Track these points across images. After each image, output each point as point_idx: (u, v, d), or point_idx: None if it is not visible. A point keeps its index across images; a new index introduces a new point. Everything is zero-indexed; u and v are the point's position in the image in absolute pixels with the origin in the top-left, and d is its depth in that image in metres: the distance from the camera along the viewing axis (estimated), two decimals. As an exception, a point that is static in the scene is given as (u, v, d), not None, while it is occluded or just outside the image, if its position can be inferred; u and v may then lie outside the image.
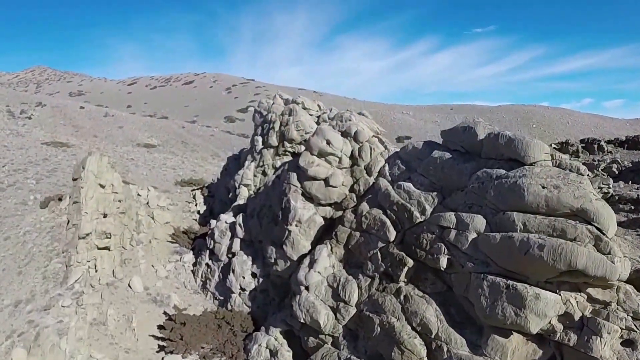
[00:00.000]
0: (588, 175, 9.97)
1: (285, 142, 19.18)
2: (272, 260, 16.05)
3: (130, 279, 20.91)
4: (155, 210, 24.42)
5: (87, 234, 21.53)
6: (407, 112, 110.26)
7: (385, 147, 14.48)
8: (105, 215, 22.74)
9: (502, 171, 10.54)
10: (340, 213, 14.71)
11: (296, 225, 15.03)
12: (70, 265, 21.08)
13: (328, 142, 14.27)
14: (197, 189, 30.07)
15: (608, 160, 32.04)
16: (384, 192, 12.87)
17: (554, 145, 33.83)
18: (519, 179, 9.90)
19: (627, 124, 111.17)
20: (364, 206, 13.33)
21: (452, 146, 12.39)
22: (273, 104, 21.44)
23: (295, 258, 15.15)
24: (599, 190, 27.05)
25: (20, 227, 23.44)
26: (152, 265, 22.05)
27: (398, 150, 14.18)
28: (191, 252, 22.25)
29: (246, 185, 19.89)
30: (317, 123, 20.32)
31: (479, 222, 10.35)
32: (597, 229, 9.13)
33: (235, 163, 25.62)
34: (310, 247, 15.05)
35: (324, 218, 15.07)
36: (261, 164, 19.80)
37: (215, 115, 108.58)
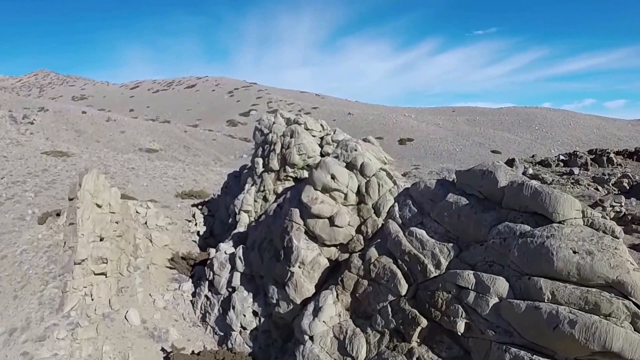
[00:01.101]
0: (622, 236, 8.85)
1: (287, 167, 18.08)
2: (274, 301, 14.99)
3: (127, 310, 19.88)
4: (153, 232, 23.40)
5: (83, 260, 20.64)
6: (409, 115, 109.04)
7: (395, 183, 13.33)
8: (102, 239, 21.86)
9: (527, 227, 9.41)
10: (346, 255, 13.58)
11: (299, 267, 13.95)
12: (66, 291, 20.19)
13: (333, 177, 13.16)
14: (197, 205, 29.03)
15: (618, 175, 30.96)
16: (395, 238, 11.75)
17: (561, 157, 32.72)
18: (546, 240, 8.78)
19: (629, 124, 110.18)
20: (373, 252, 12.22)
21: (468, 190, 11.21)
22: (274, 123, 20.23)
23: (298, 302, 14.07)
24: (611, 208, 25.92)
25: (17, 245, 22.22)
26: (150, 295, 21.02)
27: (408, 186, 13.05)
28: (190, 280, 21.21)
29: (246, 212, 18.82)
30: (321, 145, 19.19)
31: (501, 285, 9.24)
32: (635, 304, 8.02)
33: (235, 181, 24.57)
34: (314, 290, 13.97)
35: (329, 260, 14.01)
36: (262, 188, 18.70)
37: (217, 119, 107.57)
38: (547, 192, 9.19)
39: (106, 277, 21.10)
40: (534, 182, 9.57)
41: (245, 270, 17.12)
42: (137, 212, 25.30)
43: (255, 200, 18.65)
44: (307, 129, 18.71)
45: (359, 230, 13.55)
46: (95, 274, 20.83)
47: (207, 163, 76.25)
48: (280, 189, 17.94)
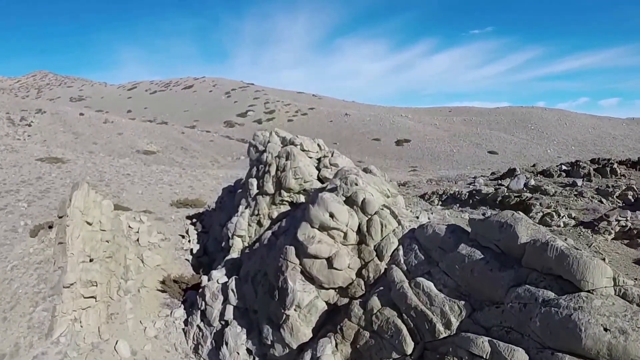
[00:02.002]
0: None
1: (283, 191, 16.92)
2: (269, 342, 13.82)
3: (117, 341, 18.74)
4: (145, 251, 22.21)
5: (72, 284, 19.56)
6: (405, 115, 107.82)
7: (399, 223, 12.06)
8: (91, 260, 20.77)
9: (551, 294, 8.20)
10: (346, 300, 12.33)
11: (295, 310, 12.76)
12: (55, 315, 19.12)
13: (331, 215, 11.94)
14: (191, 219, 27.84)
15: (623, 187, 29.87)
16: (399, 290, 10.51)
17: (563, 166, 31.53)
18: (574, 313, 7.60)
19: (624, 123, 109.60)
20: (375, 302, 10.99)
21: (483, 242, 9.92)
22: (269, 142, 19.03)
23: (294, 346, 12.88)
24: (616, 223, 24.77)
25: (8, 260, 21.46)
26: (141, 322, 19.85)
27: (415, 227, 11.76)
28: (182, 306, 20.04)
29: (240, 236, 17.65)
30: (318, 168, 17.96)
31: (520, 358, 8.04)
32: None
33: (229, 197, 23.40)
34: (311, 335, 12.76)
35: (327, 303, 12.81)
36: (256, 212, 17.52)
37: (214, 120, 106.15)
38: (574, 256, 7.97)
39: (96, 300, 20.05)
40: (560, 243, 8.36)
41: (239, 304, 15.94)
42: (129, 226, 24.17)
43: (249, 224, 17.49)
44: (303, 150, 17.49)
45: (359, 274, 12.29)
46: (85, 297, 19.80)
47: (205, 165, 74.98)
48: (275, 214, 16.77)
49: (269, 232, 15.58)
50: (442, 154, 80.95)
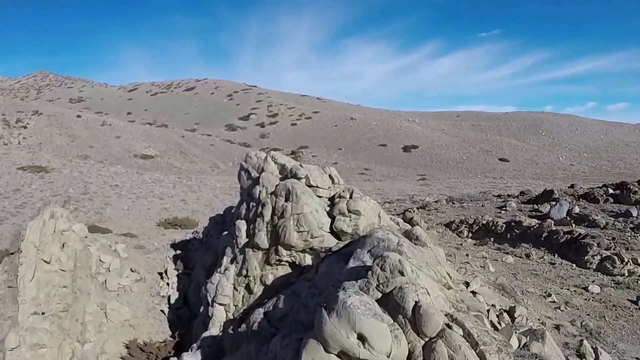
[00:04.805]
0: None
1: (281, 247, 12.20)
2: None
3: None
4: (111, 301, 17.79)
5: (15, 347, 15.25)
6: (412, 120, 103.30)
7: (482, 358, 6.23)
8: (43, 313, 16.44)
9: None
10: None
11: None
12: (-6, 388, 14.86)
13: (361, 338, 6.23)
14: (175, 249, 23.40)
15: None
16: None
17: (610, 190, 26.73)
18: None
19: (636, 130, 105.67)
20: None
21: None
22: (263, 170, 14.29)
23: None
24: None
25: None
26: (95, 412, 15.51)
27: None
28: (148, 387, 15.57)
29: (223, 305, 12.91)
30: (331, 215, 12.31)
31: None
32: None
33: (217, 230, 18.98)
34: None
35: None
36: (244, 272, 12.65)
37: (216, 123, 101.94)
38: None
39: (42, 373, 15.70)
40: None
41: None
42: (100, 260, 19.84)
43: (235, 288, 12.59)
44: (309, 186, 12.71)
45: None
46: (31, 364, 15.51)
47: (204, 171, 70.84)
48: (270, 278, 11.93)
49: (261, 312, 10.79)
50: (452, 161, 76.46)
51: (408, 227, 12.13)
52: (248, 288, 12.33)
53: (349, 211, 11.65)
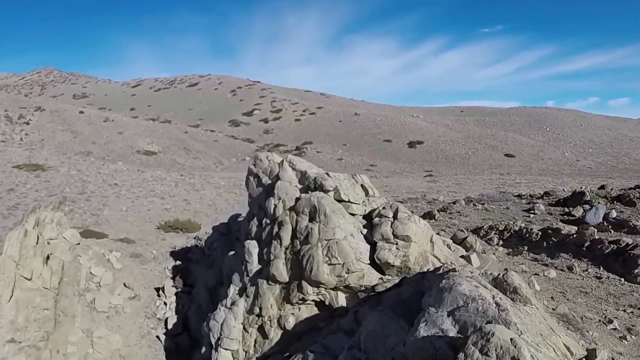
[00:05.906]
0: None
1: (306, 283, 9.18)
2: None
3: None
4: (98, 328, 15.34)
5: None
6: (417, 115, 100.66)
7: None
8: (20, 342, 14.16)
9: None
10: None
11: None
12: None
13: None
14: (175, 258, 21.09)
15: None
16: None
17: (617, 191, 24.50)
18: None
19: (639, 124, 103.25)
20: None
21: None
22: (278, 177, 11.38)
23: None
24: None
25: None
26: None
27: None
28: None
29: (229, 350, 10.14)
30: (370, 241, 9.56)
31: None
32: None
33: (221, 241, 16.64)
34: None
35: None
36: (257, 310, 9.74)
37: (219, 119, 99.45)
38: None
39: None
40: None
41: None
42: (91, 273, 17.54)
43: (245, 329, 9.78)
44: (339, 200, 9.70)
45: None
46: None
47: (208, 167, 68.65)
48: (290, 321, 9.02)
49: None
50: (457, 157, 73.98)
51: (462, 250, 9.70)
52: (262, 331, 9.85)
53: (395, 236, 9.01)
